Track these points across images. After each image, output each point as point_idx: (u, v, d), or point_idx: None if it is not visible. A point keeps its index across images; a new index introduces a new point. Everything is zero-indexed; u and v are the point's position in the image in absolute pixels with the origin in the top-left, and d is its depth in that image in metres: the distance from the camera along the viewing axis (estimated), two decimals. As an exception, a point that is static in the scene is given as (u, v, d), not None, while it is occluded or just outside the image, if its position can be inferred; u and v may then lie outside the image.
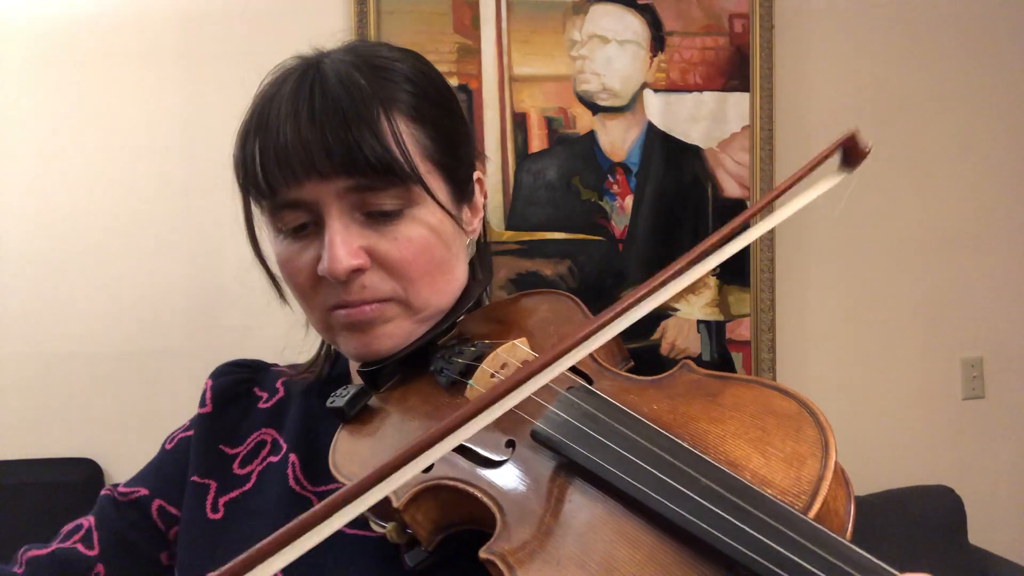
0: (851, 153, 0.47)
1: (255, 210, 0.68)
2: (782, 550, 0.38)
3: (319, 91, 0.61)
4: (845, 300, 2.11)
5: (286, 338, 0.79)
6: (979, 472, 2.17)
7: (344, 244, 0.61)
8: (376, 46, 0.70)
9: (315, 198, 0.61)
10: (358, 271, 0.62)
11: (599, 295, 1.91)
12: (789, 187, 0.46)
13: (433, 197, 0.64)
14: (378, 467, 0.40)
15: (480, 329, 0.70)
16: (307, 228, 0.64)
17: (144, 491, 0.74)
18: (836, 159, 0.47)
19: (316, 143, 0.60)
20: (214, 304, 1.77)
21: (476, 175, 0.73)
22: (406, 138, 0.62)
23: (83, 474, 1.69)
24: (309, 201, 0.62)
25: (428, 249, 0.64)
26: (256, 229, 0.69)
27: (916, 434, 2.16)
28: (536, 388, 0.45)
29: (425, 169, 0.64)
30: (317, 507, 0.38)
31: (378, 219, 0.63)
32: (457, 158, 0.68)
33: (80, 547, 0.70)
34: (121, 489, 0.75)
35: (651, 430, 0.48)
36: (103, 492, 0.75)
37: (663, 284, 0.46)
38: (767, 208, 0.48)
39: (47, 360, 1.74)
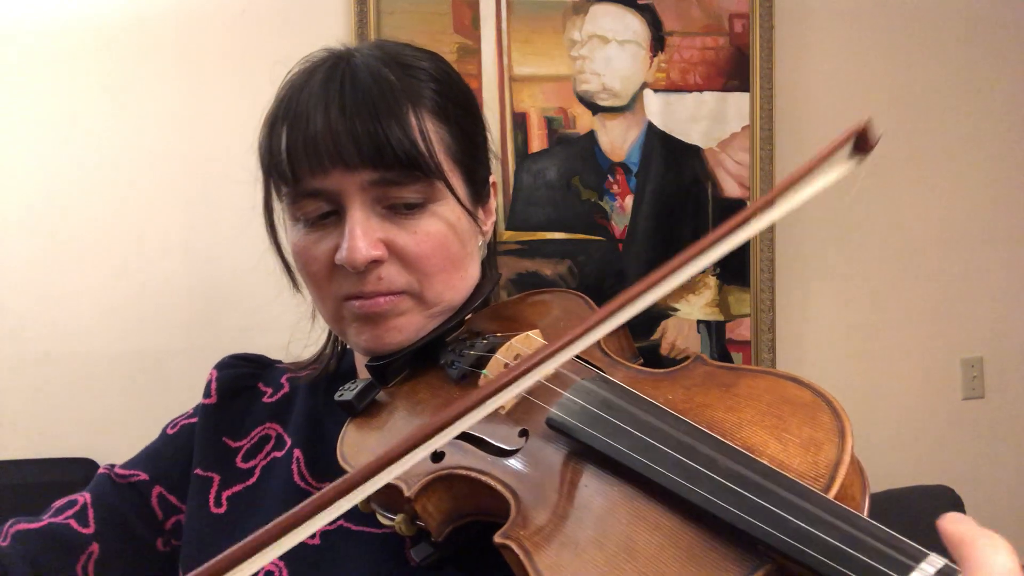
0: (861, 143, 0.47)
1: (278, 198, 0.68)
2: (803, 525, 0.38)
3: (350, 83, 0.62)
4: (845, 300, 2.10)
5: (292, 331, 0.79)
6: (979, 472, 2.17)
7: (364, 234, 0.61)
8: (402, 45, 0.70)
9: (339, 188, 0.62)
10: (376, 262, 0.63)
11: (599, 295, 1.89)
12: (801, 178, 0.46)
13: (455, 194, 0.65)
14: (381, 454, 0.39)
15: (489, 326, 0.70)
16: (327, 217, 0.64)
17: (144, 476, 0.73)
18: (846, 148, 0.47)
19: (345, 134, 0.60)
20: (214, 304, 1.77)
21: (491, 179, 0.74)
22: (432, 135, 0.63)
23: (83, 474, 1.68)
24: (332, 191, 0.62)
25: (445, 245, 0.65)
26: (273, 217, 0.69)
27: (916, 434, 2.16)
28: (544, 374, 0.45)
29: (448, 167, 0.65)
30: (323, 491, 0.37)
31: (399, 212, 0.63)
32: (476, 159, 0.70)
33: (74, 523, 0.69)
34: (119, 470, 0.74)
35: (668, 415, 0.48)
36: (100, 471, 0.74)
37: (669, 274, 0.46)
38: (774, 200, 0.47)
39: (47, 360, 1.74)
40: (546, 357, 0.44)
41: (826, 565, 0.36)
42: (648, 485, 0.44)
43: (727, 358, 1.99)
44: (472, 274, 0.70)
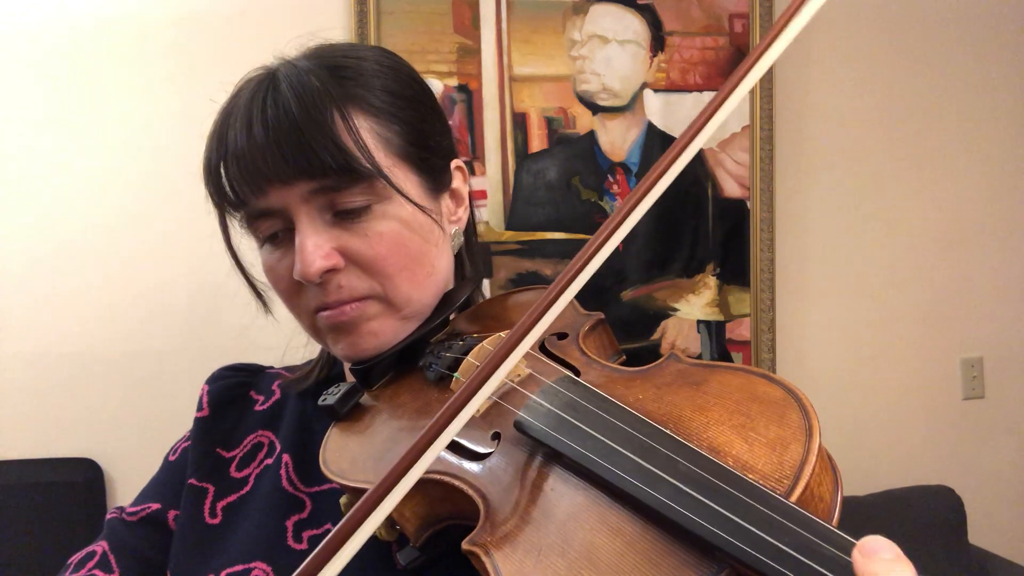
0: None
1: (237, 223, 0.68)
2: (756, 530, 0.38)
3: (271, 100, 0.62)
4: (845, 300, 2.11)
5: (289, 341, 0.79)
6: (979, 472, 2.17)
7: (315, 247, 0.61)
8: (339, 46, 0.69)
9: (283, 204, 0.62)
10: (332, 271, 0.62)
11: (599, 295, 1.91)
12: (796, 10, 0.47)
13: (398, 190, 0.63)
14: (376, 485, 0.40)
15: (472, 327, 0.70)
16: (285, 234, 0.64)
17: (156, 505, 0.73)
18: None
19: (272, 151, 0.60)
20: (214, 304, 1.77)
21: (455, 163, 0.72)
22: (365, 134, 0.62)
23: (83, 474, 1.69)
24: (278, 208, 0.62)
25: (401, 243, 0.64)
26: (240, 239, 0.69)
27: (916, 434, 2.16)
28: (507, 371, 0.45)
29: (390, 163, 0.63)
30: (326, 542, 0.40)
31: (347, 217, 0.62)
32: (427, 148, 0.67)
33: (99, 573, 0.69)
34: (129, 509, 0.74)
35: (632, 417, 0.48)
36: (109, 516, 0.74)
37: (621, 221, 0.47)
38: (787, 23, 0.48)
39: (47, 360, 1.74)
40: (501, 357, 0.44)
41: (778, 571, 0.36)
42: (611, 489, 0.44)
43: (727, 358, 1.99)
44: (440, 268, 0.68)
